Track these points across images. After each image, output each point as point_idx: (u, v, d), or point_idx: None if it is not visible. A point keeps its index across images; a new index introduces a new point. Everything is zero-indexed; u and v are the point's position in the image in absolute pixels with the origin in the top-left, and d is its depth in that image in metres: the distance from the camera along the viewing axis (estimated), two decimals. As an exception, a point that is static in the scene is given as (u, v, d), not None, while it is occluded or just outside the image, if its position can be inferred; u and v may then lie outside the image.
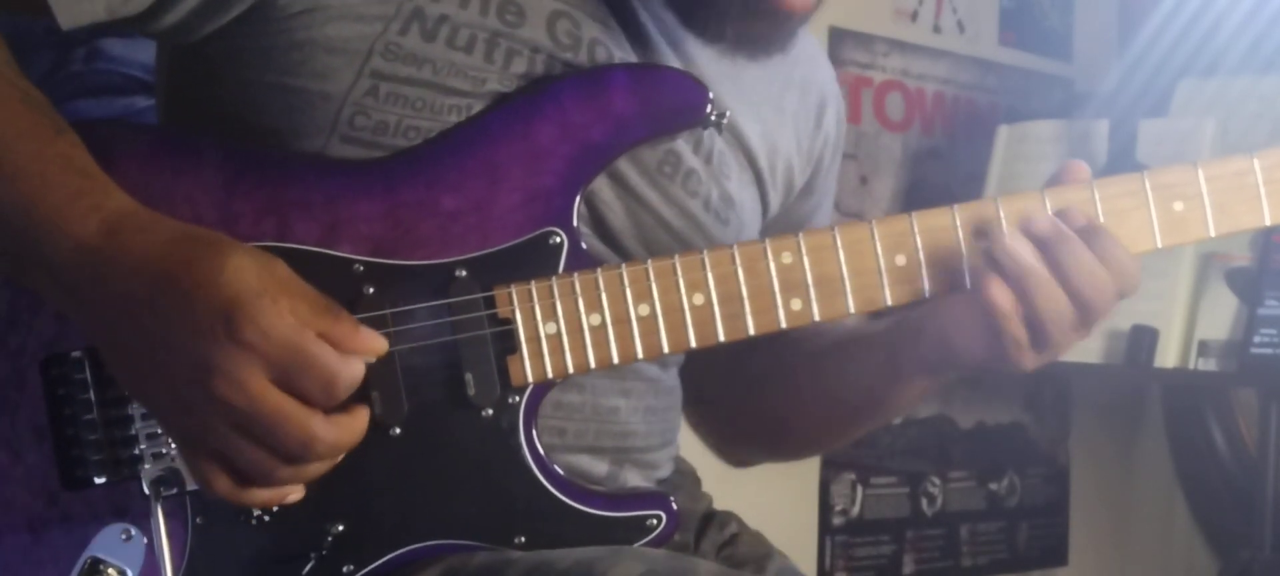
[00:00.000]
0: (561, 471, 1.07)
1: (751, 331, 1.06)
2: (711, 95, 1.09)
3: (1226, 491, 2.83)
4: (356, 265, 1.03)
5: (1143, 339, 2.28)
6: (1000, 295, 1.03)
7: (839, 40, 2.65)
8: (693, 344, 1.06)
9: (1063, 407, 3.04)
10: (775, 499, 2.52)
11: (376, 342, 0.95)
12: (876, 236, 1.06)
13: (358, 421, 0.95)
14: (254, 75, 1.08)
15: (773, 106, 1.26)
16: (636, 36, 1.16)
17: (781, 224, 1.30)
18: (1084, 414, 3.05)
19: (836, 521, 2.65)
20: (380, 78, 1.06)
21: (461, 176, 1.06)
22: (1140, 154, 2.33)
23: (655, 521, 1.08)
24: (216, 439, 0.91)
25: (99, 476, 1.03)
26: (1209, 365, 2.25)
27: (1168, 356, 2.27)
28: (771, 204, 1.27)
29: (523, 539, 1.06)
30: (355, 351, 0.93)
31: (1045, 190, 1.07)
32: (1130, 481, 3.10)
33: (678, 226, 1.15)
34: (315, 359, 0.90)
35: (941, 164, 2.81)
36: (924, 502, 2.79)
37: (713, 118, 1.09)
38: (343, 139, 1.06)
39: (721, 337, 1.06)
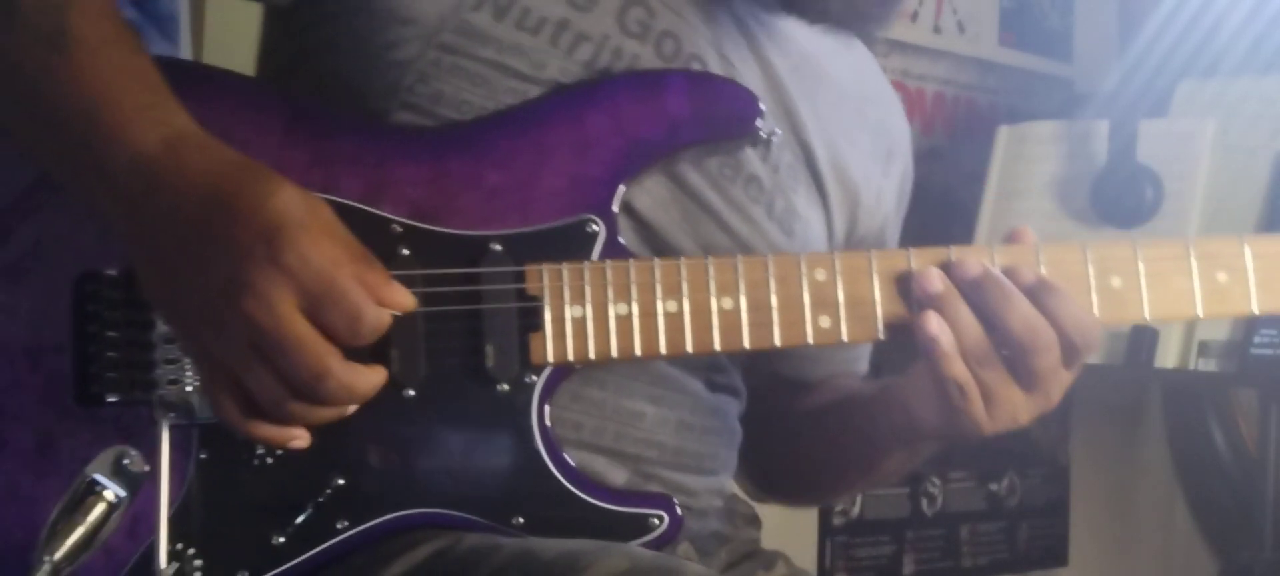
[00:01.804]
0: (570, 460, 1.07)
1: (778, 343, 1.05)
2: (763, 110, 1.10)
3: (1226, 491, 2.83)
4: (395, 225, 1.05)
5: (1143, 339, 2.28)
6: (931, 323, 1.03)
7: (839, 40, 2.65)
8: (717, 347, 1.05)
9: (1063, 408, 3.00)
10: (775, 499, 2.52)
11: (406, 298, 0.97)
12: (913, 264, 1.05)
13: (373, 376, 0.96)
14: (335, 37, 1.11)
15: (845, 137, 1.24)
16: (715, 35, 1.16)
17: None
18: (1084, 414, 3.05)
19: (837, 521, 2.64)
20: (445, 49, 1.09)
21: (509, 154, 1.08)
22: (1140, 154, 2.33)
23: (656, 521, 1.07)
24: (234, 359, 0.93)
25: (112, 394, 1.04)
26: (1209, 365, 2.25)
27: (1168, 356, 2.27)
28: (836, 230, 1.25)
29: (521, 520, 1.05)
30: (384, 302, 0.95)
31: (1043, 246, 1.06)
32: (1130, 481, 3.10)
33: (737, 229, 1.14)
34: (346, 293, 0.92)
35: (941, 164, 2.81)
36: (924, 503, 2.79)
37: (763, 135, 1.10)
38: (402, 104, 1.09)
39: (747, 345, 1.05)
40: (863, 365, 1.34)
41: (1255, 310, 1.09)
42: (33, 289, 1.06)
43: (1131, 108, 2.54)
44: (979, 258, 1.05)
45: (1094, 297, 1.06)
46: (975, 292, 1.03)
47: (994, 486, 2.91)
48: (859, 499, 2.68)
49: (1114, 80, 2.83)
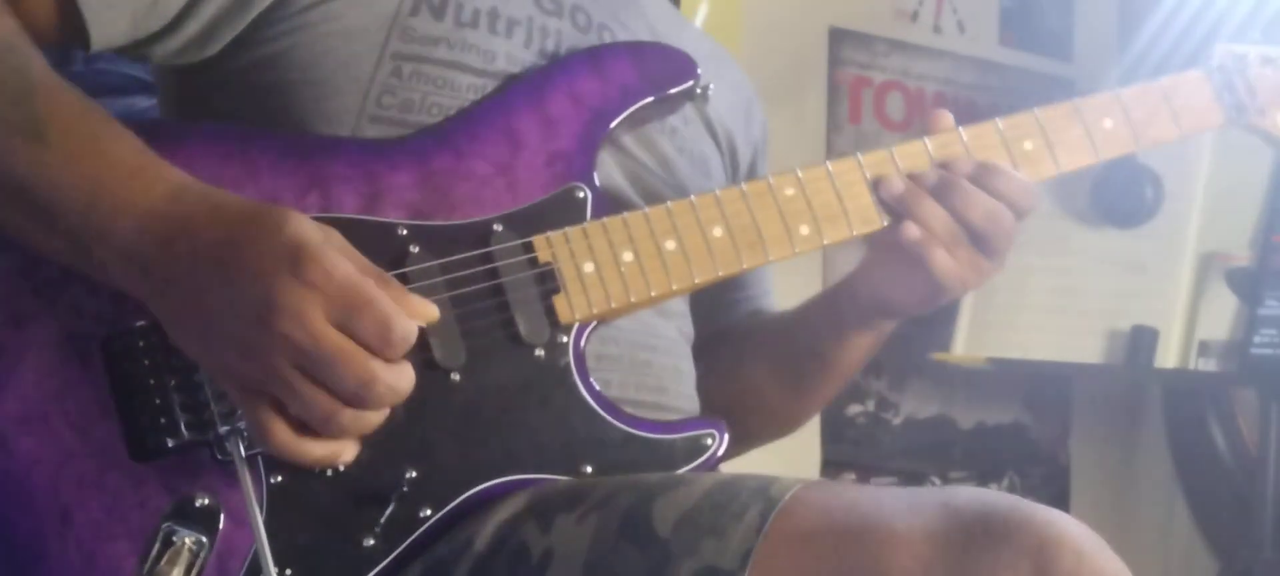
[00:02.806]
0: (614, 404, 1.12)
1: (770, 257, 1.16)
2: (699, 70, 1.20)
3: (1226, 491, 2.82)
4: (400, 228, 1.09)
5: (1143, 339, 2.28)
6: (910, 228, 1.17)
7: (839, 40, 2.66)
8: (720, 272, 1.15)
9: (1063, 407, 3.04)
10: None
11: (429, 308, 0.99)
12: (863, 166, 1.19)
13: (408, 373, 0.97)
14: (273, 78, 1.14)
15: (714, 91, 1.34)
16: (612, 6, 1.27)
17: None
18: (1084, 414, 3.05)
19: (836, 521, 2.64)
20: (401, 59, 1.14)
21: (486, 145, 1.14)
22: (1140, 154, 2.32)
23: (710, 440, 1.13)
24: (277, 383, 0.94)
25: (170, 441, 1.03)
26: (1209, 365, 2.25)
27: (1168, 356, 2.27)
28: (727, 172, 1.38)
29: (590, 468, 1.09)
30: (410, 314, 0.97)
31: (961, 128, 1.21)
32: (1130, 481, 3.10)
33: (669, 178, 1.26)
34: (374, 301, 0.94)
35: (941, 164, 2.81)
36: (924, 502, 2.79)
37: (699, 89, 1.21)
38: (371, 119, 1.13)
39: (744, 265, 1.15)
40: (773, 299, 1.46)
41: (1137, 147, 1.26)
42: (64, 361, 1.05)
43: (1131, 107, 2.54)
44: (920, 154, 1.19)
45: (1014, 163, 1.21)
46: (941, 194, 1.17)
47: (994, 486, 2.91)
48: (859, 499, 2.69)
49: (1114, 80, 2.83)
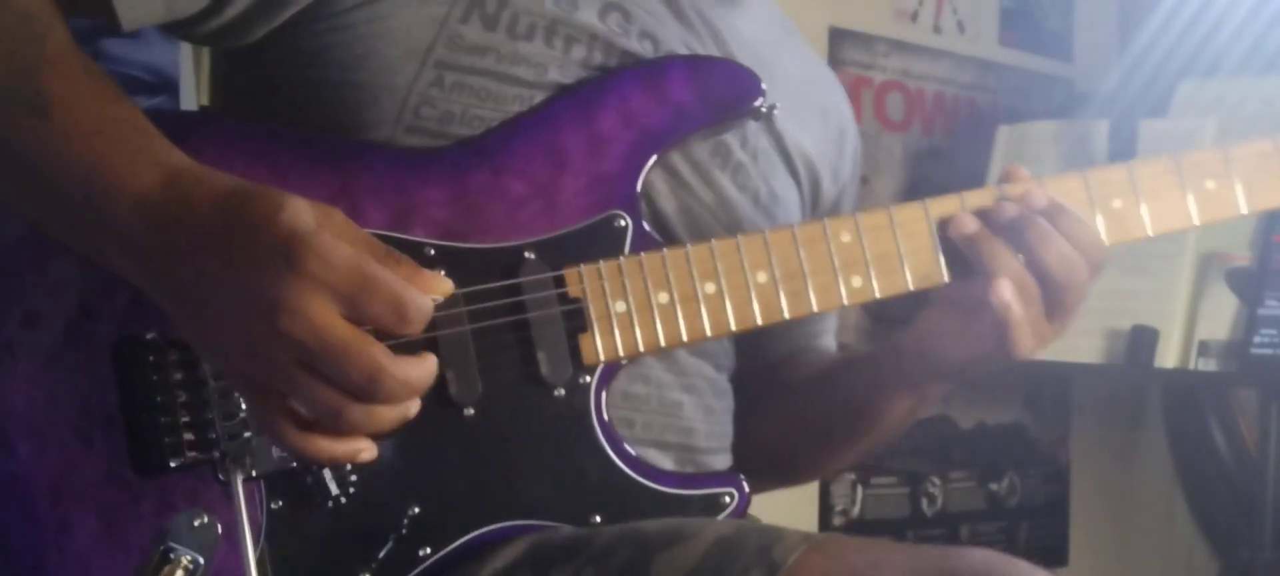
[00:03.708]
0: (633, 452, 1.08)
1: (815, 308, 1.08)
2: (764, 86, 1.12)
3: (1226, 491, 2.83)
4: (428, 249, 1.05)
5: (1143, 339, 2.28)
6: (1005, 290, 1.06)
7: (839, 40, 2.65)
8: (759, 321, 1.07)
9: (1063, 407, 3.04)
10: (775, 499, 2.51)
11: (443, 282, 0.92)
12: (929, 215, 1.09)
13: (426, 364, 0.90)
14: (315, 74, 1.10)
15: (799, 121, 1.27)
16: (684, 31, 1.19)
17: None
18: (1084, 414, 3.05)
19: (837, 521, 2.65)
20: (444, 68, 1.08)
21: (526, 163, 1.07)
22: (1140, 154, 2.32)
23: (728, 498, 1.09)
24: (282, 380, 0.88)
25: (173, 459, 1.01)
26: (1209, 365, 2.25)
27: (1168, 356, 2.27)
28: (805, 208, 1.29)
29: (599, 518, 1.06)
30: (423, 289, 0.90)
31: (1044, 178, 1.10)
32: (1130, 481, 3.10)
33: (725, 218, 1.17)
34: (380, 281, 0.87)
35: (942, 164, 2.81)
36: (924, 502, 2.79)
37: (764, 109, 1.13)
38: (408, 129, 1.08)
39: (786, 314, 1.08)
40: (830, 340, 1.37)
41: (1244, 210, 1.13)
42: (72, 366, 1.02)
43: (1131, 108, 2.54)
44: (991, 199, 1.09)
45: (1100, 221, 1.11)
46: (1013, 233, 1.07)
47: (994, 486, 2.91)
48: (859, 498, 2.68)
49: (1114, 80, 2.84)
